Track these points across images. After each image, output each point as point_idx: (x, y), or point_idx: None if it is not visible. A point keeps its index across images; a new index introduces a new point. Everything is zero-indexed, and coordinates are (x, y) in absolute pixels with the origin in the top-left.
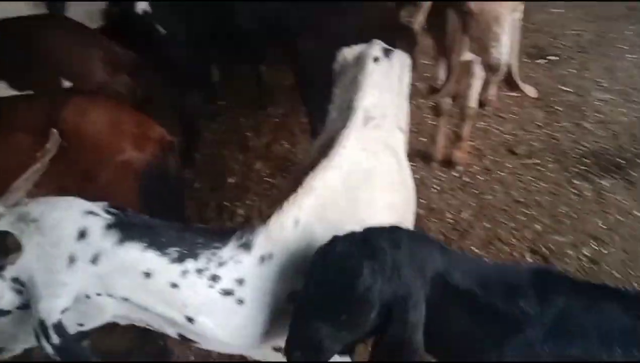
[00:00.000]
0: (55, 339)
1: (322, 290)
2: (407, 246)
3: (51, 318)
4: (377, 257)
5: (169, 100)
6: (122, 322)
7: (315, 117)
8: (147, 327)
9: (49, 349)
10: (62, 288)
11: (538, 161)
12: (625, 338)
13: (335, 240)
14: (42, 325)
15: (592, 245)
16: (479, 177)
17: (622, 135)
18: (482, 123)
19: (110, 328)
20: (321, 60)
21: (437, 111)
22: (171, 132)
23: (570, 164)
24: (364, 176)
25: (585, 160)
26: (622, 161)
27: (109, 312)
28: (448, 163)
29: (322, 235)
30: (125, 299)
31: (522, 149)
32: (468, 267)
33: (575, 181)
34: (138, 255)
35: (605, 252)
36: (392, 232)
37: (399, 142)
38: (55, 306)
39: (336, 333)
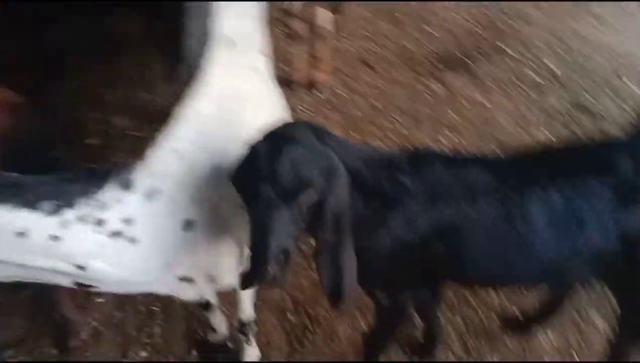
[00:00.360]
0: None
1: (273, 190)
2: (309, 130)
3: None
4: (299, 141)
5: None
6: (7, 280)
7: (174, 58)
8: (37, 281)
9: None
10: None
11: (392, 69)
12: (487, 192)
13: (254, 146)
14: None
15: (450, 135)
16: (341, 93)
17: (463, 36)
18: (337, 42)
19: None
20: None
21: (292, 36)
22: (19, 94)
23: (421, 67)
24: (235, 100)
25: (434, 61)
26: (465, 58)
27: None
28: (311, 85)
29: (208, 161)
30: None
31: (376, 61)
32: (354, 149)
33: (427, 82)
34: (8, 217)
35: (462, 140)
36: (293, 124)
37: (264, 65)
38: None
39: (296, 226)
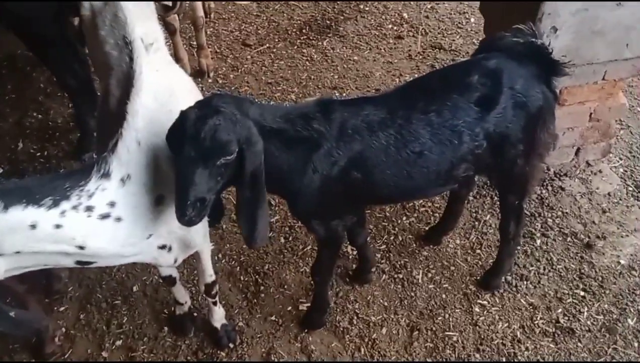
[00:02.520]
0: None
1: (195, 150)
2: (232, 102)
3: None
4: (222, 112)
5: None
6: (16, 273)
7: (61, 72)
8: (44, 267)
9: None
10: None
11: (268, 45)
12: (382, 125)
13: (185, 112)
14: None
15: (335, 94)
16: (230, 75)
17: (323, 3)
18: (211, 29)
19: None
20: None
21: (169, 29)
22: None
23: (294, 38)
24: (167, 90)
25: (304, 30)
26: (329, 22)
27: (1, 269)
28: (200, 73)
29: (160, 144)
30: (17, 252)
31: (253, 40)
32: (273, 110)
33: (303, 50)
34: (21, 215)
35: (345, 95)
36: (219, 96)
37: (170, 57)
38: None
39: (214, 182)
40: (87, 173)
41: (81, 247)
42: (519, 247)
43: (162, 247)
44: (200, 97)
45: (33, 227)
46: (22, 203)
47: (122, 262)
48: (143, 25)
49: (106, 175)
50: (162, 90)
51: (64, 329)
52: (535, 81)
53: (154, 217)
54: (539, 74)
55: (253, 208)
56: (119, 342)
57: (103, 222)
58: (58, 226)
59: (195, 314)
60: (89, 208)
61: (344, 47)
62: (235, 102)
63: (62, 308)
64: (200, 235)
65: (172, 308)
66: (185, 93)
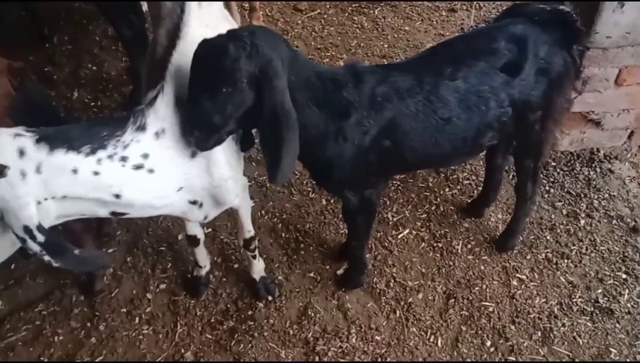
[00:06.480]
0: (40, 237)
1: (202, 74)
2: (262, 34)
3: (32, 221)
4: (238, 39)
5: None
6: (59, 222)
7: (118, 22)
8: (82, 216)
9: (36, 247)
10: (27, 197)
11: (320, 11)
12: (411, 92)
13: (206, 39)
14: (27, 229)
15: (383, 62)
16: None
17: None
18: None
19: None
20: None
21: None
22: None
23: (345, 5)
24: None
25: None
26: None
27: (52, 214)
28: None
29: None
30: (64, 197)
31: (304, 5)
32: (306, 60)
33: (354, 17)
34: (63, 158)
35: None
36: (250, 27)
37: (226, 13)
38: (31, 211)
39: (222, 107)
40: (124, 124)
41: (117, 196)
42: (534, 207)
43: (194, 203)
44: None
45: (75, 172)
46: (64, 147)
47: (153, 213)
48: None
49: (142, 127)
50: None
51: (111, 269)
52: (557, 47)
53: (187, 171)
54: (561, 40)
55: (276, 147)
56: (162, 286)
57: (136, 172)
58: (96, 173)
59: (212, 278)
60: (124, 159)
61: (396, 17)
62: (266, 35)
63: (110, 250)
64: (231, 194)
65: (190, 268)
66: None
